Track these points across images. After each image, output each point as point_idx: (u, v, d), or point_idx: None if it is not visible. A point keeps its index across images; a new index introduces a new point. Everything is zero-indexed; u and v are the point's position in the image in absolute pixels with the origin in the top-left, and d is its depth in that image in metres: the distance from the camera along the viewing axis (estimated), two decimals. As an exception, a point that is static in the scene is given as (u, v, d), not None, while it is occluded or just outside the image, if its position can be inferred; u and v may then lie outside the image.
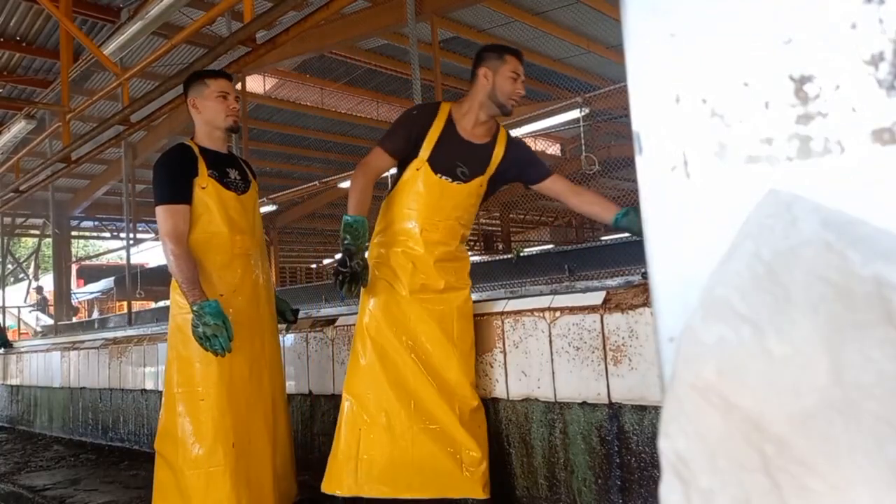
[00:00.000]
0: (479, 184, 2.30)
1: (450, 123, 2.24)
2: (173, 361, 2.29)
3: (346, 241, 2.09)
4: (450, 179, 2.23)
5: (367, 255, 2.18)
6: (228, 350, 2.12)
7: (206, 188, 2.28)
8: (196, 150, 2.33)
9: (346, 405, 2.23)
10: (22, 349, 6.34)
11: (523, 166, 2.37)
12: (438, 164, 2.21)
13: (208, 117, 2.35)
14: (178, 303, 2.28)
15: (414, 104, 3.62)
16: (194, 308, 2.13)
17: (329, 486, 2.19)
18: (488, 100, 2.22)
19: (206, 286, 2.22)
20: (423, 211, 2.22)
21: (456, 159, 2.23)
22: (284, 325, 2.72)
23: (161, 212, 2.23)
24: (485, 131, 2.30)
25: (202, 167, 2.30)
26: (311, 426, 3.16)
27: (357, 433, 2.16)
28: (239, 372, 2.26)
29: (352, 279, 2.07)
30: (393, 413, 2.14)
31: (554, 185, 2.37)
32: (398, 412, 2.13)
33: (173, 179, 2.27)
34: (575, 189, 2.42)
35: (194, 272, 2.19)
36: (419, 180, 2.22)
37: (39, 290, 14.18)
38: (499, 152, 2.32)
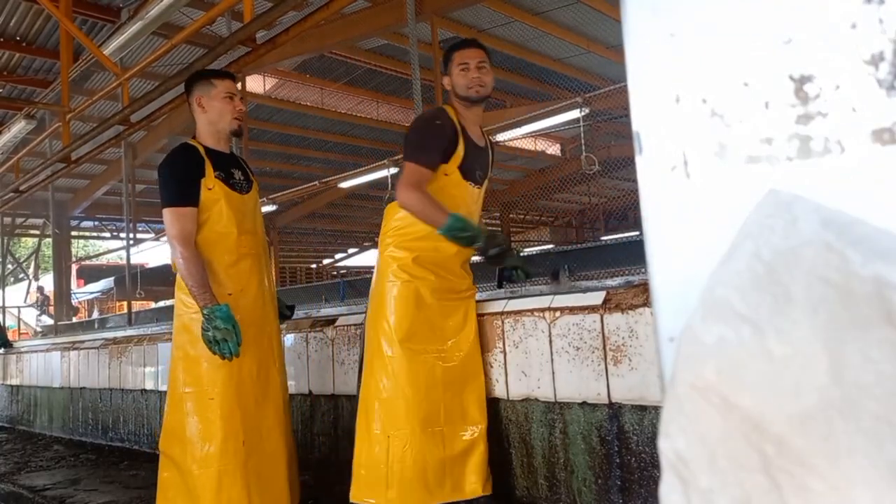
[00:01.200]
0: (485, 186, 2.35)
1: (462, 129, 2.24)
2: (179, 361, 2.29)
3: (467, 235, 2.06)
4: (472, 184, 2.27)
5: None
6: (237, 355, 2.14)
7: (212, 189, 2.27)
8: (202, 150, 2.31)
9: (370, 408, 2.19)
10: (22, 349, 6.34)
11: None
12: (465, 169, 2.22)
13: (213, 118, 2.34)
14: (184, 302, 2.28)
15: (414, 104, 3.62)
16: (205, 312, 2.13)
17: (359, 495, 2.16)
18: (458, 100, 2.24)
19: (214, 286, 2.22)
20: None
21: (475, 164, 2.26)
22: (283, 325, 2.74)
23: (168, 214, 2.22)
24: (479, 132, 2.33)
25: (209, 168, 2.28)
26: (311, 426, 3.16)
27: (386, 440, 2.13)
28: (248, 370, 2.27)
29: (506, 253, 2.09)
30: (427, 417, 2.12)
31: None
32: (431, 416, 2.13)
33: (180, 181, 2.26)
34: None
35: (204, 275, 2.19)
36: (451, 186, 2.21)
37: (41, 289, 14.17)
38: (491, 153, 2.38)
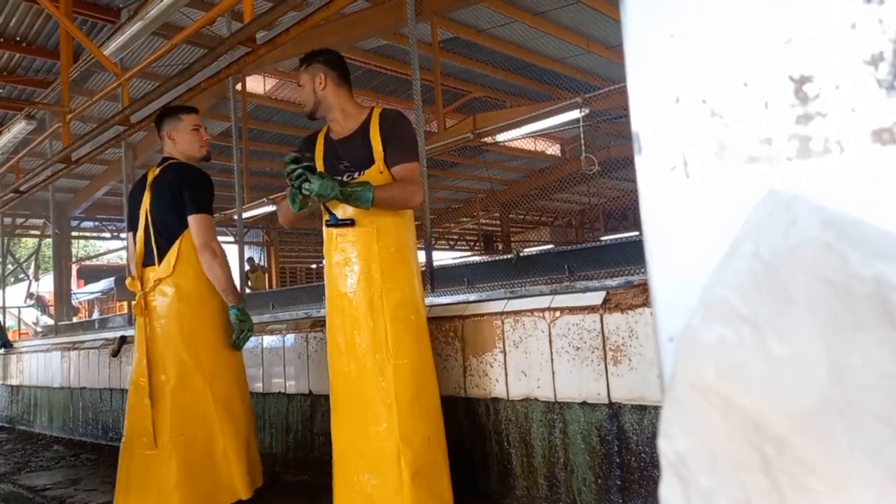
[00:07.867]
0: (378, 169, 2.21)
1: (327, 135, 2.39)
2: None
3: (296, 187, 2.02)
4: (342, 176, 2.26)
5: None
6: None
7: None
8: None
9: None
10: (22, 349, 6.34)
11: (385, 143, 2.27)
12: (326, 161, 2.33)
13: (183, 149, 2.68)
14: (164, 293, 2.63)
15: (413, 104, 3.64)
16: (239, 307, 2.56)
17: None
18: (322, 101, 2.35)
19: (207, 291, 2.59)
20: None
21: (332, 158, 2.32)
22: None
23: (205, 220, 2.52)
24: (346, 122, 2.36)
25: None
26: (311, 426, 3.16)
27: None
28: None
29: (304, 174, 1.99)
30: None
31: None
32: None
33: (210, 192, 2.61)
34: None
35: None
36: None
37: (32, 296, 14.09)
38: (375, 133, 2.27)
